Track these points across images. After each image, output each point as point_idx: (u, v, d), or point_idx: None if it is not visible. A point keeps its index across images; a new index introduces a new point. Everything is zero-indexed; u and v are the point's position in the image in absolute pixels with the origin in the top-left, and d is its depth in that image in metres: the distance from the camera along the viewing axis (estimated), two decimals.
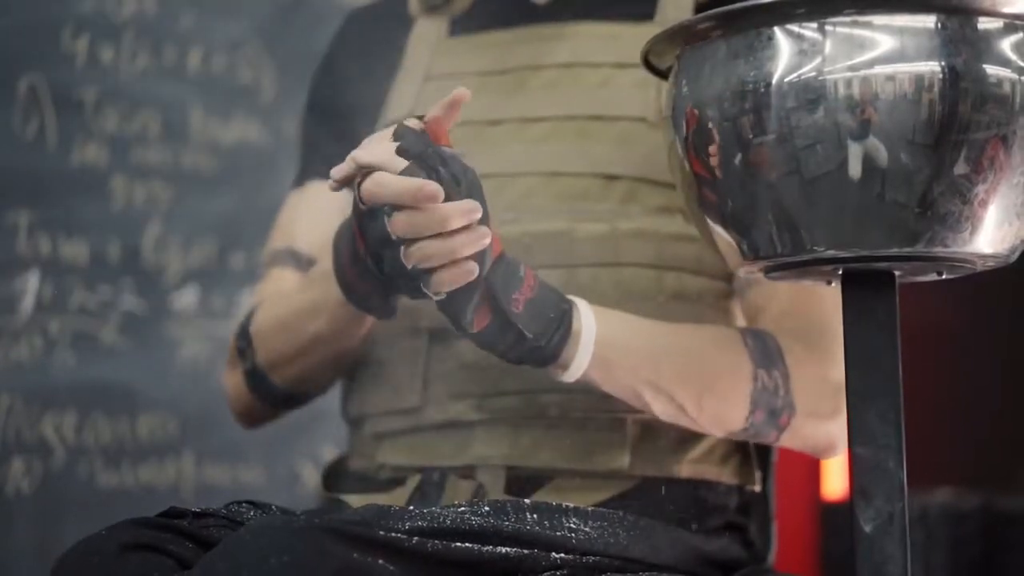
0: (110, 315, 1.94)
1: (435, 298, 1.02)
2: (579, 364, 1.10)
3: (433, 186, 0.97)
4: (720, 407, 1.15)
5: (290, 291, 1.28)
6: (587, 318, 1.10)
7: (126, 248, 1.97)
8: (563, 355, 1.09)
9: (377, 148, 1.01)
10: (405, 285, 1.03)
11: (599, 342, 1.10)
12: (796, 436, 1.19)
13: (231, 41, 2.08)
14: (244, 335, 1.30)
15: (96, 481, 1.90)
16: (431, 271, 1.00)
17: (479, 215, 0.99)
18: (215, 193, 2.06)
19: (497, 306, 1.04)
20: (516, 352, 1.08)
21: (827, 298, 1.20)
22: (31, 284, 1.86)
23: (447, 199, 0.98)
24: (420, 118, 1.04)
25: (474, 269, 1.00)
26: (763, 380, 1.15)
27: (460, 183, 1.00)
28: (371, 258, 1.04)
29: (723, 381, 1.15)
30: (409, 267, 0.99)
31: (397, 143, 1.01)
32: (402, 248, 0.99)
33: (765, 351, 1.16)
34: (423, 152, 1.00)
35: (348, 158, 1.01)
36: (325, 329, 1.22)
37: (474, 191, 1.01)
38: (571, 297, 1.11)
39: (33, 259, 1.86)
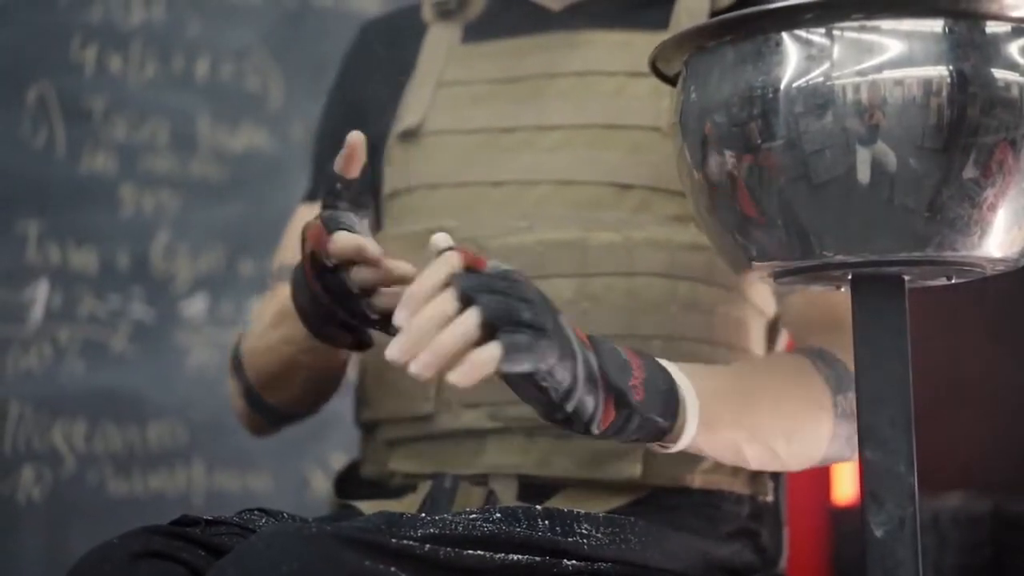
0: (119, 323, 1.95)
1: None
2: (688, 432, 1.03)
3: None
4: (807, 443, 1.12)
5: (266, 322, 1.28)
6: (683, 381, 1.02)
7: (135, 256, 1.97)
8: (676, 425, 1.02)
9: (437, 295, 0.90)
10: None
11: (702, 405, 1.03)
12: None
13: (238, 49, 2.09)
14: (236, 356, 1.32)
15: (106, 489, 1.90)
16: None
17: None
18: (223, 201, 2.06)
19: (622, 400, 0.97)
20: (636, 436, 1.00)
21: None
22: (41, 293, 1.87)
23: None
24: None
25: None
26: (842, 406, 1.12)
27: (541, 316, 0.92)
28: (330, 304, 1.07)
29: (809, 417, 1.11)
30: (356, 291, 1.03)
31: (469, 299, 0.90)
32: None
33: (837, 374, 1.14)
34: (509, 312, 0.90)
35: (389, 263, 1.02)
36: (306, 360, 1.24)
37: (544, 309, 0.93)
38: (661, 362, 1.02)
39: (42, 268, 1.87)
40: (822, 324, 1.20)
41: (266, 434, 1.39)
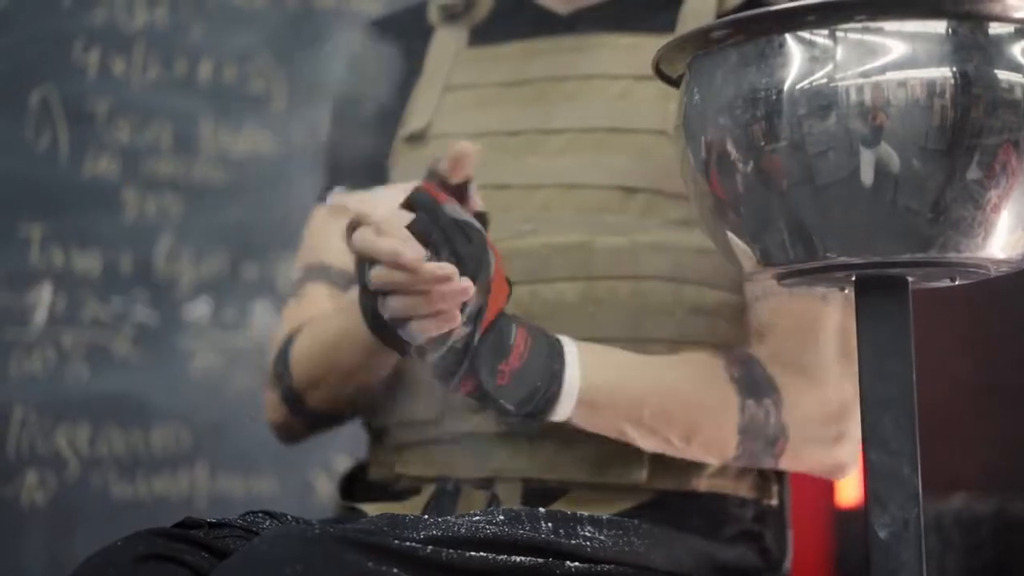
0: (123, 327, 1.95)
1: (416, 342, 1.02)
2: (561, 414, 1.11)
3: (410, 256, 0.98)
4: (708, 440, 1.15)
5: (326, 315, 1.27)
6: (572, 373, 1.10)
7: (138, 260, 1.97)
8: (546, 411, 1.11)
9: (381, 206, 1.01)
10: (388, 333, 1.05)
11: (584, 391, 1.10)
12: (798, 461, 1.19)
13: (241, 52, 2.09)
14: (283, 359, 1.29)
15: (110, 492, 1.90)
16: (408, 320, 1.01)
17: (456, 284, 0.99)
18: (226, 204, 2.06)
19: (479, 379, 1.05)
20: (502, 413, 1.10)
21: (832, 317, 1.19)
22: (44, 296, 1.87)
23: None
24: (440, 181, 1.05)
25: (454, 317, 1.00)
26: (751, 411, 1.15)
27: (464, 263, 1.01)
28: (362, 304, 1.07)
29: (709, 415, 1.15)
30: (386, 317, 1.01)
31: (406, 211, 1.01)
32: (379, 299, 1.01)
33: (752, 381, 1.16)
34: (428, 232, 1.00)
35: (354, 202, 1.03)
36: (359, 358, 1.22)
37: (476, 263, 1.02)
38: (562, 342, 1.11)
39: (46, 271, 1.87)
40: (778, 333, 1.20)
41: (297, 440, 1.38)
